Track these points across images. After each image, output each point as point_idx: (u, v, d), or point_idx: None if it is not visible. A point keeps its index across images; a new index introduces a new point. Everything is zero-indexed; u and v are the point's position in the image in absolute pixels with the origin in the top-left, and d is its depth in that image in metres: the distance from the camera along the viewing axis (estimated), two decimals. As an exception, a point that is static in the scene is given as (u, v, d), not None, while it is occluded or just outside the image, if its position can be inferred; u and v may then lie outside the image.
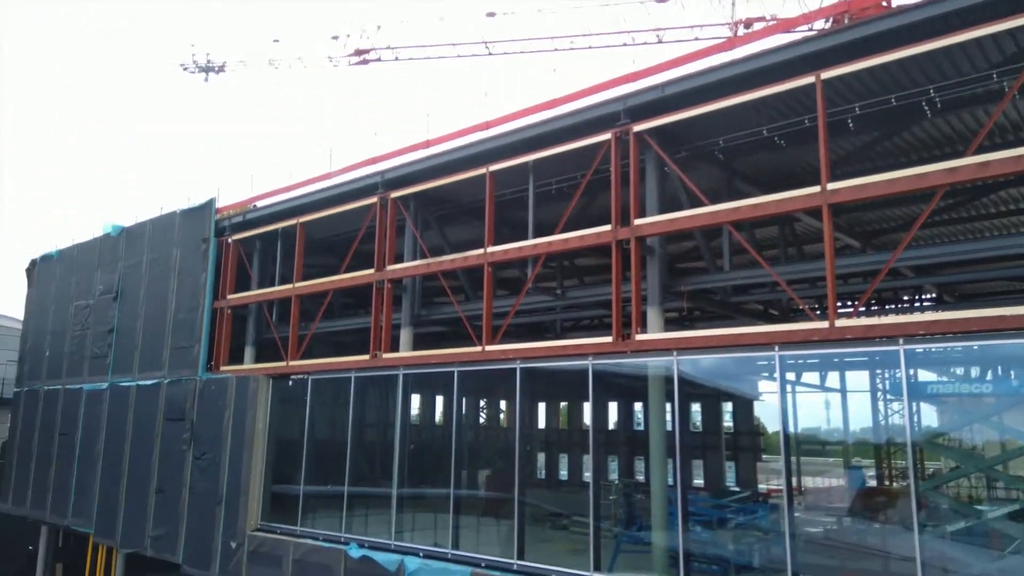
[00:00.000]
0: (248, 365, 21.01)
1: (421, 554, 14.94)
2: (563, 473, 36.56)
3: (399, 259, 17.79)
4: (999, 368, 14.62)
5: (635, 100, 13.30)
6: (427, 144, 16.79)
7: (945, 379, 15.66)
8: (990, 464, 17.21)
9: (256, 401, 19.17)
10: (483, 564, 13.89)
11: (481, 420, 31.23)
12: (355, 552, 15.85)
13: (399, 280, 17.73)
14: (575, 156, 14.38)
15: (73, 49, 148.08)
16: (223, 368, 20.72)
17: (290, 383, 19.49)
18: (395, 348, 17.58)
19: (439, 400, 29.06)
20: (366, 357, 17.43)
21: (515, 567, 13.43)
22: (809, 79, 11.17)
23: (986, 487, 22.63)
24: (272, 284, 21.07)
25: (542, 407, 38.42)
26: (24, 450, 28.93)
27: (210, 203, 21.92)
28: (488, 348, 15.04)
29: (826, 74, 11.05)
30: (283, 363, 19.35)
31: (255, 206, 21.43)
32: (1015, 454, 15.61)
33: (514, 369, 14.55)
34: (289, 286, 19.72)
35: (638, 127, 13.15)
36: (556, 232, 14.34)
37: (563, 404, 39.54)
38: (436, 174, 16.64)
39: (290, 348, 19.23)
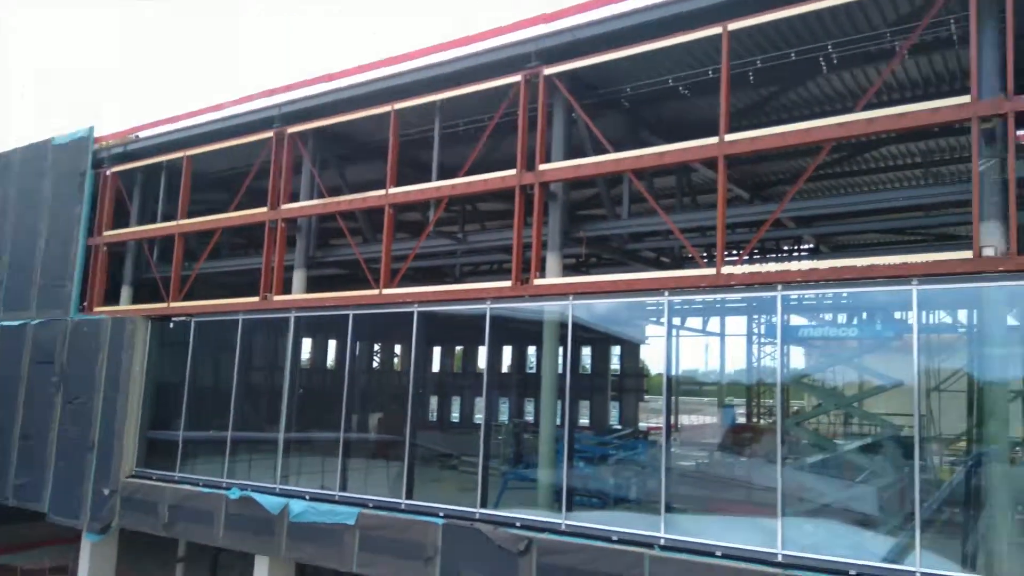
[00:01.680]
0: (125, 306, 19.74)
1: (307, 497, 14.78)
2: (455, 415, 37.05)
3: (295, 198, 17.05)
4: (864, 314, 15.82)
5: (547, 43, 13.13)
6: (329, 78, 15.91)
7: (814, 324, 16.89)
8: (849, 402, 18.84)
9: (133, 343, 18.11)
10: (371, 504, 13.91)
11: (375, 364, 30.98)
12: (236, 494, 15.49)
13: (294, 220, 17.03)
14: (484, 97, 14.13)
15: None
16: (97, 309, 19.35)
17: (171, 325, 18.49)
18: (288, 290, 16.99)
19: (332, 344, 28.53)
20: (255, 299, 16.76)
21: (403, 506, 13.58)
22: (716, 30, 11.40)
23: (843, 423, 24.89)
24: (154, 221, 19.74)
25: (437, 351, 38.52)
26: None
27: (88, 132, 20.10)
28: (386, 291, 14.81)
29: (733, 25, 11.30)
30: (164, 304, 18.30)
31: (136, 136, 19.81)
32: (871, 393, 17.14)
33: (411, 313, 14.42)
34: (174, 223, 18.52)
35: (548, 70, 13.05)
36: (460, 175, 14.15)
37: (458, 348, 39.80)
38: (338, 110, 15.92)
39: (172, 289, 18.19)
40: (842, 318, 18.81)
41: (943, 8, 10.61)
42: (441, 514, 13.04)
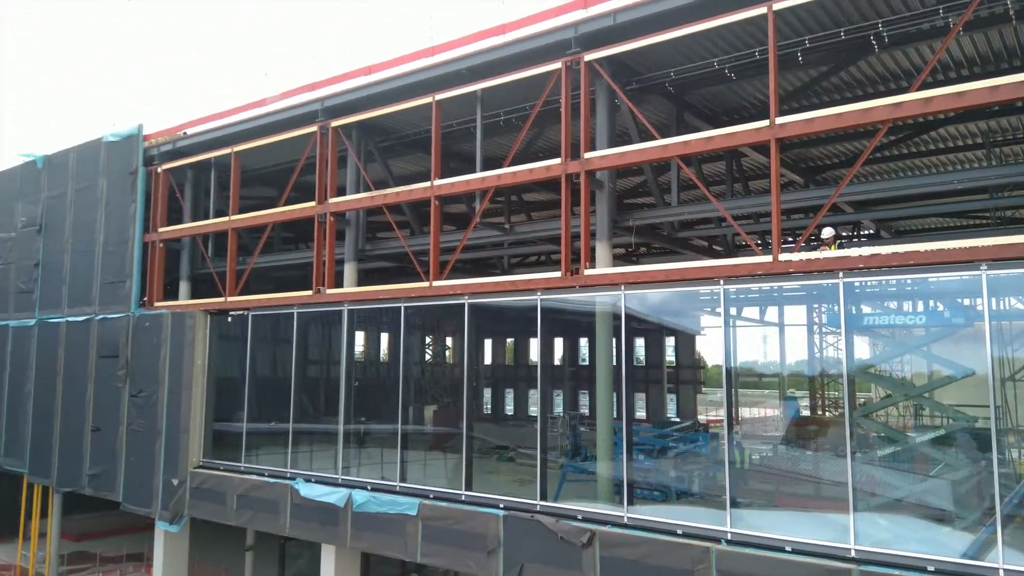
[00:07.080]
0: (184, 301, 20.33)
1: (369, 487, 14.91)
2: (509, 408, 37.10)
3: (340, 192, 17.22)
4: (930, 301, 15.07)
5: (586, 28, 12.82)
6: (369, 70, 15.97)
7: (879, 312, 16.15)
8: (919, 392, 17.95)
9: (194, 337, 18.61)
10: (431, 495, 13.94)
11: (427, 356, 31.22)
12: (303, 487, 15.77)
13: (342, 214, 17.19)
14: (524, 86, 13.93)
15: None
16: (157, 304, 20.00)
17: (229, 319, 18.94)
18: (339, 284, 17.19)
19: (384, 337, 28.87)
20: (309, 293, 17.01)
21: (463, 497, 13.52)
22: (761, 10, 10.92)
23: (914, 415, 23.83)
24: (206, 217, 20.24)
25: (488, 343, 38.61)
26: (-51, 390, 27.70)
27: (138, 130, 20.73)
28: (436, 284, 14.78)
29: (778, 5, 10.81)
30: (221, 299, 18.74)
31: (184, 133, 20.30)
32: (942, 383, 16.28)
33: (462, 305, 14.35)
34: (225, 219, 18.93)
35: (589, 56, 12.76)
36: (504, 165, 14.00)
37: (509, 340, 39.84)
38: (379, 102, 15.97)
39: (228, 283, 18.62)
40: (907, 306, 17.99)
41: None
42: (501, 505, 12.93)
